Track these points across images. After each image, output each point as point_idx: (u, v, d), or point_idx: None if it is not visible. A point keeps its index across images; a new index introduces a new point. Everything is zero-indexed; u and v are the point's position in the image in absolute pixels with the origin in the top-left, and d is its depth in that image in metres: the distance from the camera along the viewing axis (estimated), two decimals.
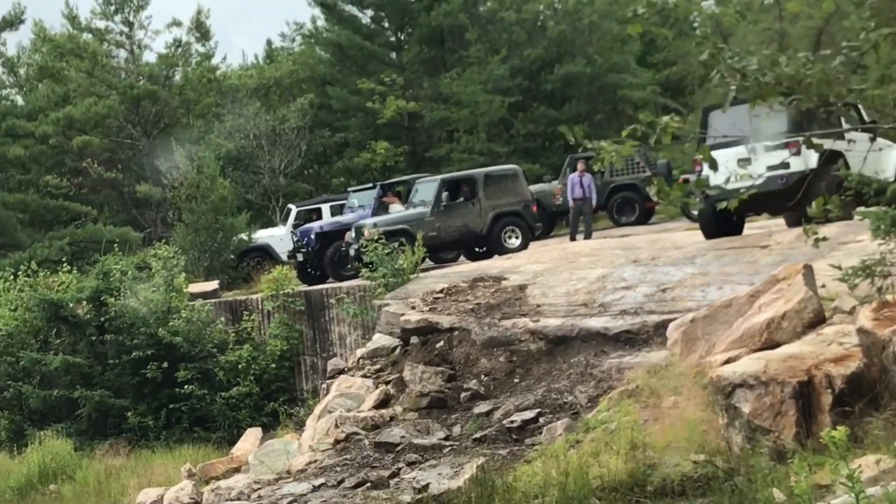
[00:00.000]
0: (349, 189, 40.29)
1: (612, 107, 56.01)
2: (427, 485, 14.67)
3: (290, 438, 20.83)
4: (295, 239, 36.58)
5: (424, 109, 53.82)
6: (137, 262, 36.34)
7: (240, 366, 28.03)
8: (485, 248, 33.86)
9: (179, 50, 54.32)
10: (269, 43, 65.79)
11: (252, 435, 22.29)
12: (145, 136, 53.99)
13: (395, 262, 24.23)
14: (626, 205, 41.98)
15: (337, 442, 18.01)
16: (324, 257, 34.95)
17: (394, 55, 57.21)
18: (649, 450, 13.79)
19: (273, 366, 28.24)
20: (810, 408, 12.88)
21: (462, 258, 35.08)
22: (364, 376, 20.43)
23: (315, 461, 17.42)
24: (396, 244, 24.85)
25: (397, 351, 20.73)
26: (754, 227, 28.56)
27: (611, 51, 55.13)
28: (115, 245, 37.38)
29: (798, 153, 22.69)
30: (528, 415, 17.01)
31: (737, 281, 19.75)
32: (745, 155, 22.95)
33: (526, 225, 34.32)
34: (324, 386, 22.03)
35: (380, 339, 21.14)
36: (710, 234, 25.01)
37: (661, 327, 18.63)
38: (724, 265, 21.12)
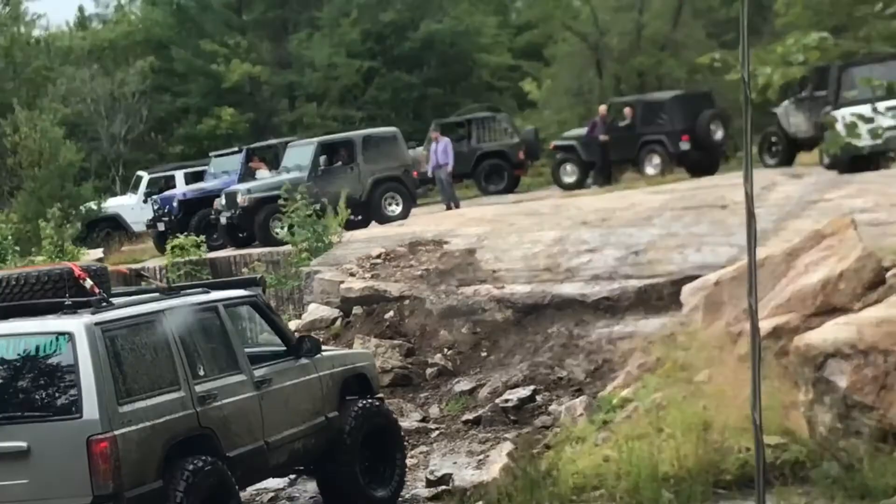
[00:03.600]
0: (210, 154, 37.66)
1: (469, 71, 54.18)
2: (446, 475, 12.52)
3: None
4: (155, 207, 33.88)
5: (272, 74, 51.20)
6: None
7: None
8: (360, 217, 31.49)
9: (7, 9, 50.65)
10: (80, 10, 61.94)
11: None
12: None
13: (317, 224, 21.97)
14: (494, 172, 40.15)
15: None
16: (188, 226, 32.38)
17: (236, 17, 54.40)
18: (712, 432, 11.84)
19: None
20: None
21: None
22: None
23: None
24: (316, 208, 22.59)
25: (338, 323, 18.48)
26: (696, 185, 26.78)
27: (466, 14, 53.26)
28: None
29: None
30: (523, 392, 15.02)
31: (714, 242, 18.05)
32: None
33: (407, 191, 32.35)
34: None
35: (317, 311, 18.83)
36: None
37: (644, 293, 16.89)
38: (688, 226, 19.40)
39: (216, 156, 36.38)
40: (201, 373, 10.70)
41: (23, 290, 10.63)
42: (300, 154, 32.00)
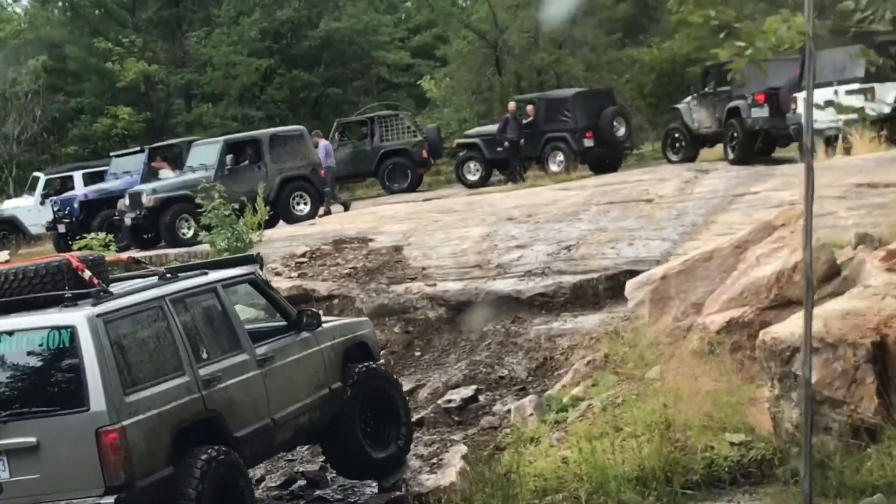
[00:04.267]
0: (111, 154, 36.67)
1: (367, 70, 53.55)
2: (398, 480, 12.06)
3: None
4: (55, 209, 32.85)
5: (168, 73, 50.15)
6: None
7: None
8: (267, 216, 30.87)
9: None
10: None
11: None
12: None
13: (235, 224, 21.32)
14: (397, 171, 39.47)
15: None
16: (89, 227, 31.45)
17: (129, 15, 53.17)
18: (673, 430, 11.52)
19: None
20: (886, 374, 10.86)
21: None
22: None
23: None
24: (234, 207, 21.95)
25: None
26: (605, 181, 26.46)
27: (363, 12, 52.61)
28: None
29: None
30: (466, 392, 14.64)
31: (646, 237, 17.87)
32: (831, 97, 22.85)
33: (315, 190, 31.64)
34: None
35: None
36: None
37: (580, 289, 16.67)
38: (616, 221, 19.21)
39: (117, 156, 35.38)
40: (204, 356, 10.72)
41: (21, 285, 10.44)
42: (205, 153, 31.07)
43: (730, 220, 18.15)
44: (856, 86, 24.23)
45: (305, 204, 31.13)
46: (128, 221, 29.81)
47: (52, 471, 9.49)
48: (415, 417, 14.13)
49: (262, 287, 12.37)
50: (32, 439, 9.49)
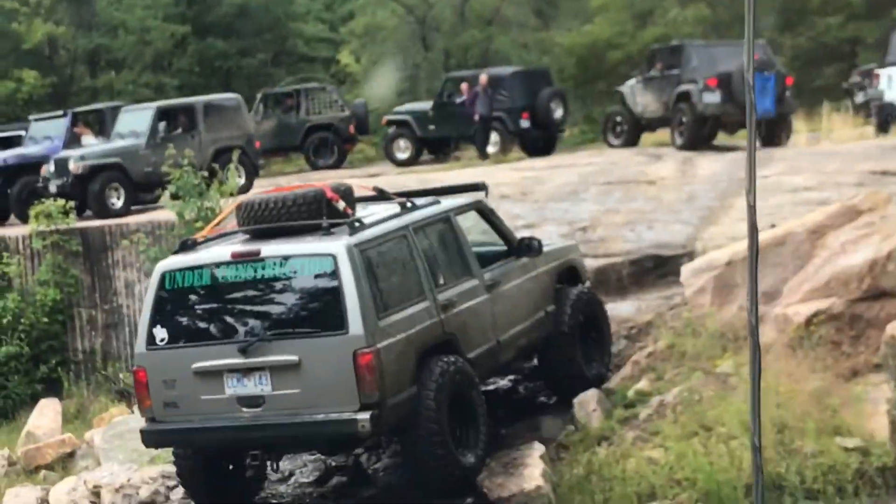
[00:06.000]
0: (30, 118, 34.63)
1: (283, 41, 51.77)
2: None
3: (118, 412, 16.33)
4: None
5: (76, 36, 47.96)
6: None
7: (4, 320, 22.58)
8: None
9: None
10: None
11: (49, 408, 17.37)
12: None
13: (205, 193, 19.79)
14: (323, 146, 38.03)
15: None
16: (7, 195, 29.67)
17: None
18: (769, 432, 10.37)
19: (45, 320, 22.98)
20: None
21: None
22: None
23: None
24: (204, 174, 20.44)
25: None
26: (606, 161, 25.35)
27: None
28: None
29: None
30: (503, 383, 13.35)
31: (663, 220, 16.86)
32: None
33: (250, 162, 30.20)
34: None
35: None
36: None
37: (602, 273, 15.68)
38: (623, 202, 18.22)
39: (36, 119, 33.46)
40: (441, 282, 11.27)
41: (280, 212, 10.83)
42: (135, 120, 29.53)
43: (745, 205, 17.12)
44: None
45: (240, 176, 29.59)
46: (52, 189, 28.01)
47: (311, 387, 10.13)
48: None
49: (487, 214, 12.65)
50: (294, 357, 10.13)
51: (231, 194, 20.37)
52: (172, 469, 11.97)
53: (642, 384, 12.06)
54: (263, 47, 51.28)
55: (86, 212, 27.29)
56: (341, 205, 10.91)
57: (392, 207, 11.59)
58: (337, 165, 37.59)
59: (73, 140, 31.09)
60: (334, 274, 10.15)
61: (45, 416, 16.84)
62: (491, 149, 33.69)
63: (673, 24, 46.65)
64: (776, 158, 21.07)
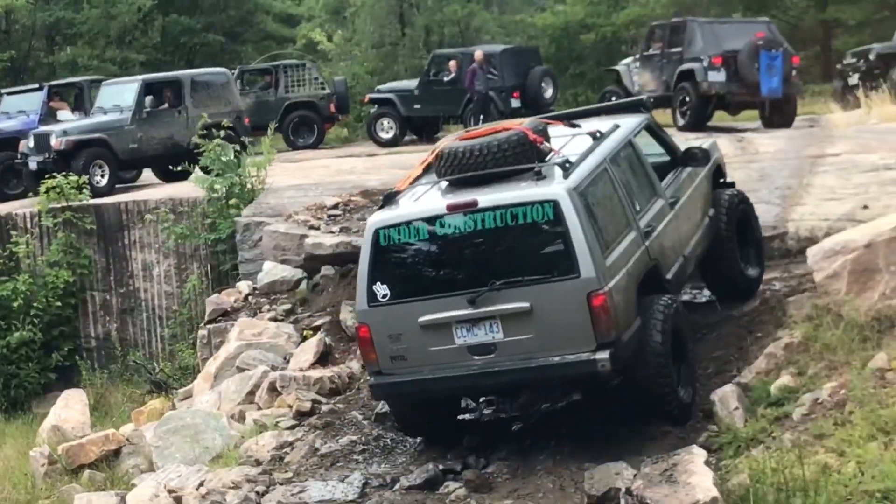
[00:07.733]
0: (3, 91, 32.96)
1: (250, 17, 50.20)
2: (613, 490, 9.43)
3: (159, 404, 14.91)
4: None
5: (35, 9, 46.12)
6: None
7: (15, 304, 20.91)
8: (179, 167, 27.71)
9: None
10: None
11: (76, 399, 15.81)
12: None
13: (234, 168, 18.39)
14: (303, 125, 36.54)
15: (301, 414, 12.50)
16: None
17: None
18: None
19: (58, 304, 21.33)
20: None
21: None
22: (274, 319, 14.68)
23: (288, 444, 11.81)
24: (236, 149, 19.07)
25: (303, 285, 15.16)
26: None
27: None
28: None
29: None
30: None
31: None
32: None
33: (238, 139, 28.74)
34: (203, 332, 15.88)
35: (274, 270, 15.40)
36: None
37: None
38: None
39: (9, 93, 31.84)
40: (638, 208, 11.24)
41: (486, 159, 10.71)
42: (119, 93, 28.14)
43: (829, 184, 16.11)
44: None
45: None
46: (33, 165, 26.65)
47: (544, 331, 10.17)
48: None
49: (655, 130, 12.62)
50: (525, 304, 10.18)
51: (264, 169, 19.00)
52: (254, 471, 10.87)
53: (784, 379, 10.78)
54: (228, 23, 49.67)
55: None
56: (546, 147, 10.84)
57: (578, 137, 11.49)
58: (315, 145, 36.20)
59: (48, 115, 29.62)
60: (558, 219, 10.10)
61: (73, 409, 15.31)
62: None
63: (646, 5, 45.68)
64: (836, 136, 19.95)
